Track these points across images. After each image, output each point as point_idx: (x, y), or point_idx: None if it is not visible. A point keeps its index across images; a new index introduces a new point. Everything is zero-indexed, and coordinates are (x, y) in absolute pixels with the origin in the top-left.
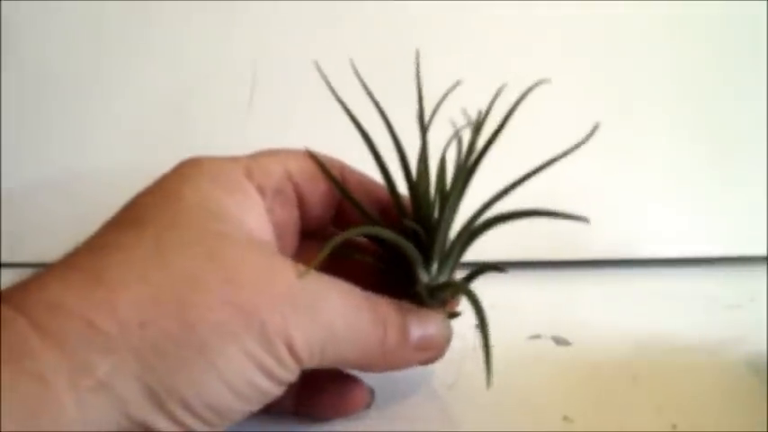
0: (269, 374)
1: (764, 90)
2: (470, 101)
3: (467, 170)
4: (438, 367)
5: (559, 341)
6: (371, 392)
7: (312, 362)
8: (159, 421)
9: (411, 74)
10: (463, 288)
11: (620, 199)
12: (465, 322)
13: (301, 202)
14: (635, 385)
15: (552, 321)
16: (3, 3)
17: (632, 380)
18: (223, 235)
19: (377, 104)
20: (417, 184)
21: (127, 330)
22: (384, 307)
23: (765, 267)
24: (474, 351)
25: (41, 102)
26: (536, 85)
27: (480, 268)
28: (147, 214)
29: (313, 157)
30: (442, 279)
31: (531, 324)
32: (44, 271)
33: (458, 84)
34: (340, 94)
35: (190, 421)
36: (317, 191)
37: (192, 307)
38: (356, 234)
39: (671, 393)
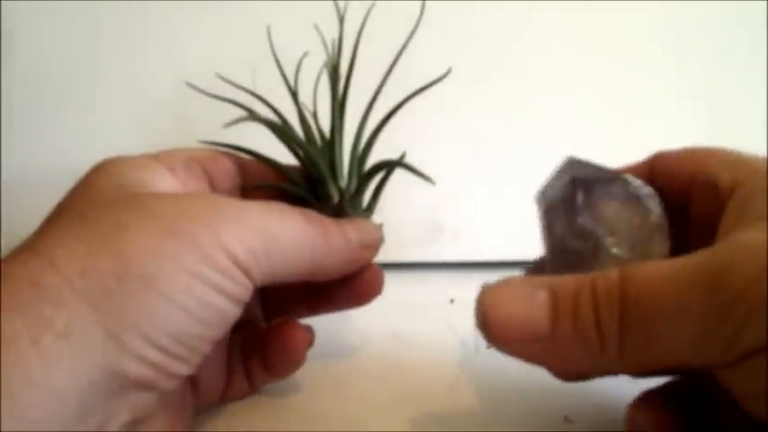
0: (218, 289)
1: (765, 89)
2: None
3: (339, 101)
4: (438, 368)
5: None
6: (310, 330)
7: (262, 272)
8: (128, 363)
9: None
10: (374, 171)
11: None
12: (465, 324)
13: (209, 178)
14: (634, 385)
15: None
16: (3, 3)
17: (632, 380)
18: (138, 193)
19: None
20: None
21: (70, 280)
22: (316, 215)
23: None
24: (475, 352)
25: (41, 102)
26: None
27: (380, 164)
28: (66, 206)
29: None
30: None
31: None
32: None
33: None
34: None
35: (158, 357)
36: (220, 168)
37: (123, 242)
38: (273, 165)
39: None
